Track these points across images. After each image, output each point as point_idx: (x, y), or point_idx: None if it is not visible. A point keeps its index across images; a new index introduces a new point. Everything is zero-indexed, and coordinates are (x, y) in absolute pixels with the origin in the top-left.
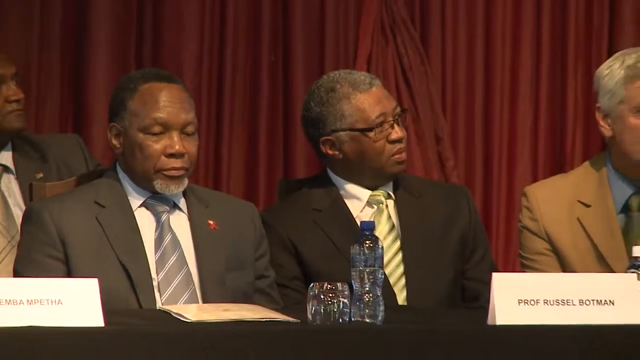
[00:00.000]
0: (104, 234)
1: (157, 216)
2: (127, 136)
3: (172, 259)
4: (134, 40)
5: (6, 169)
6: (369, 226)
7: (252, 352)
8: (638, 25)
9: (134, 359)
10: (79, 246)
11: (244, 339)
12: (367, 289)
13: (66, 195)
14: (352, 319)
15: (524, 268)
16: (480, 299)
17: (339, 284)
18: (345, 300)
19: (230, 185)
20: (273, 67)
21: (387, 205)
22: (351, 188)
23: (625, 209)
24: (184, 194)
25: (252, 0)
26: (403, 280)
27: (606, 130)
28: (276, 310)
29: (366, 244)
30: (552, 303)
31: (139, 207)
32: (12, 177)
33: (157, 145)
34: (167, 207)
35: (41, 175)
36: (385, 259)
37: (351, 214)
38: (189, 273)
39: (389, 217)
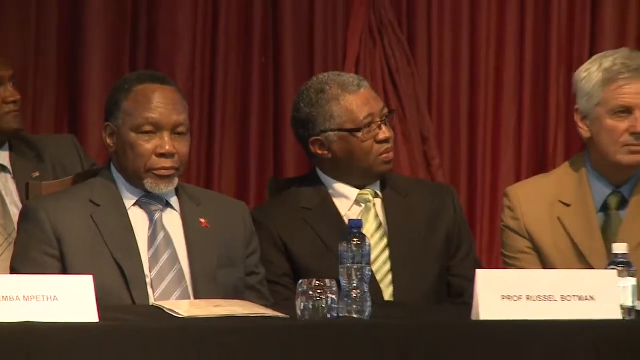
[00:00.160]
0: (98, 232)
1: (150, 214)
2: (120, 135)
3: (165, 256)
4: (129, 44)
5: (3, 168)
6: (357, 224)
7: (243, 346)
8: (619, 28)
9: (128, 353)
10: (74, 244)
11: (235, 334)
12: (355, 285)
13: (62, 194)
14: (340, 315)
15: (506, 266)
16: (464, 294)
17: (327, 281)
18: (334, 297)
19: (222, 184)
20: (264, 70)
21: (374, 204)
22: (340, 187)
23: (605, 207)
24: (177, 192)
25: (243, 4)
26: (390, 277)
27: (584, 131)
28: (266, 306)
29: (354, 241)
30: (534, 299)
31: (133, 205)
32: (9, 177)
33: (148, 145)
34: (160, 206)
35: (37, 174)
36: (373, 256)
37: (339, 212)
38: (181, 270)
39: (377, 215)
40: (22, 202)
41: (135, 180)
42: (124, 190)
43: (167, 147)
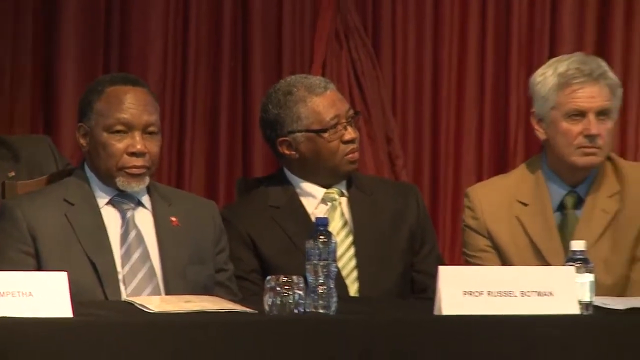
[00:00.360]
0: (72, 230)
1: (123, 213)
2: (92, 135)
3: (137, 254)
4: (102, 46)
5: None
6: (323, 222)
7: (212, 340)
8: (577, 31)
9: (101, 347)
10: (48, 242)
11: (205, 329)
12: (321, 281)
13: (37, 193)
14: (307, 310)
15: (467, 264)
16: (427, 290)
17: (294, 277)
18: (301, 292)
19: (192, 183)
20: (233, 72)
21: (340, 203)
22: (306, 186)
23: (561, 207)
24: (148, 192)
25: (213, 9)
26: (355, 273)
27: (541, 133)
28: (235, 301)
29: (320, 239)
30: (495, 294)
31: (106, 204)
32: None
33: (119, 144)
34: (132, 204)
35: (13, 174)
36: (338, 253)
37: (306, 210)
38: (152, 267)
39: (342, 213)
40: None
41: (107, 179)
42: (97, 189)
43: (138, 147)
